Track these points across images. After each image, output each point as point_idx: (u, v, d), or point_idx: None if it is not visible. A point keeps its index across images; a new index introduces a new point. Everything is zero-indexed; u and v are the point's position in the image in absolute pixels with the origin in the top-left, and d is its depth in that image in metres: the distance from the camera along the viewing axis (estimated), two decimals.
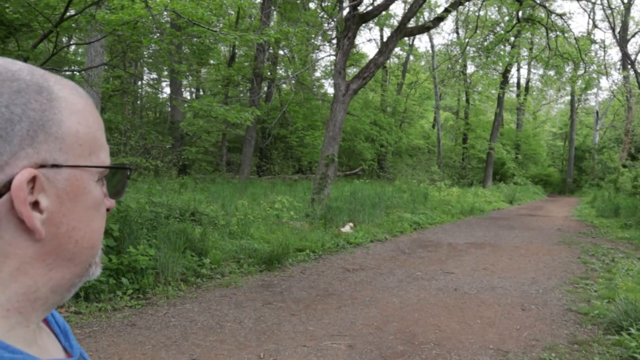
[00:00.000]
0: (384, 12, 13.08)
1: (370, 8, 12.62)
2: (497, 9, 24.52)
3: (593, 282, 7.33)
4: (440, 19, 13.48)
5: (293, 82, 15.55)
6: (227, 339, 4.55)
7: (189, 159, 18.84)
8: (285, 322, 5.06)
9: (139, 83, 26.91)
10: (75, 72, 14.49)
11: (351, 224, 10.33)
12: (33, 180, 0.56)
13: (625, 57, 20.46)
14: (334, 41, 24.78)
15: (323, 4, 22.12)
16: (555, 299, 6.44)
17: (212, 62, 23.79)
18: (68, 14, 5.85)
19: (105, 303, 5.28)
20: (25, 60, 6.11)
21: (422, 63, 35.55)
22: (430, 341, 4.76)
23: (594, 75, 19.91)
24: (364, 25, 18.66)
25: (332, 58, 22.40)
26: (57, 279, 0.60)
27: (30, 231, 0.56)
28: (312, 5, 23.23)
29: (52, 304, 0.62)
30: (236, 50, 23.92)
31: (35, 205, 0.57)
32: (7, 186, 0.54)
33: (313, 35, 22.50)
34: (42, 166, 0.56)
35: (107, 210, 0.67)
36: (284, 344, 4.48)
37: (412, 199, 14.89)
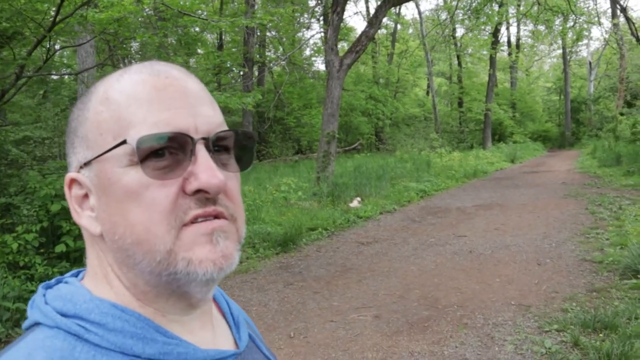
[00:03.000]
0: None
1: None
2: None
3: (603, 231, 7.44)
4: None
5: (284, 63, 15.49)
6: (255, 322, 4.65)
7: None
8: (309, 301, 5.17)
9: None
10: (67, 75, 14.43)
11: (359, 199, 10.41)
12: (74, 182, 0.62)
13: (615, 3, 20.31)
14: (321, 18, 24.61)
15: None
16: (569, 250, 6.55)
17: (200, 51, 23.61)
18: (59, 17, 5.82)
19: None
20: (22, 68, 6.12)
21: (410, 31, 35.30)
22: (453, 304, 4.87)
23: (585, 26, 19.81)
24: None
25: (320, 35, 22.25)
26: (134, 275, 0.59)
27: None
28: None
29: (160, 299, 0.60)
30: (223, 37, 23.73)
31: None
32: None
33: (298, 14, 22.33)
34: (81, 168, 0.61)
35: (200, 191, 0.57)
36: (312, 322, 4.58)
37: (416, 167, 14.95)
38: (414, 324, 4.43)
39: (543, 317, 4.39)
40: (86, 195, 0.62)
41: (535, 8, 18.05)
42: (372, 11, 29.25)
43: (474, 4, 17.55)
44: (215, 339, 0.66)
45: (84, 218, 0.61)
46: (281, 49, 23.79)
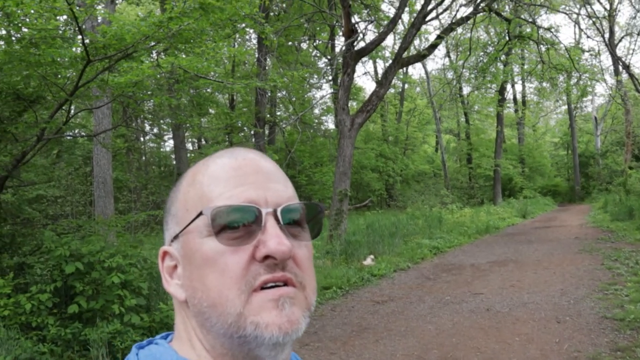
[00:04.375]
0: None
1: (363, 44, 12.91)
2: (484, 29, 25.00)
3: (622, 287, 7.30)
4: (434, 46, 13.78)
5: (297, 122, 15.82)
6: None
7: None
8: None
9: (142, 139, 27.29)
10: (85, 137, 14.75)
11: (372, 256, 10.33)
12: (166, 255, 0.71)
13: (617, 61, 20.75)
14: (330, 78, 25.25)
15: (315, 44, 22.62)
16: (588, 307, 6.41)
17: (211, 111, 24.16)
18: (81, 81, 6.04)
19: None
20: (43, 131, 6.29)
21: (417, 89, 36.02)
22: None
23: (588, 82, 20.14)
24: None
25: (330, 95, 22.75)
26: (211, 338, 0.64)
27: None
28: (304, 46, 23.74)
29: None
30: (235, 97, 24.32)
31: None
32: None
33: (307, 75, 22.92)
34: (172, 241, 0.70)
35: (267, 257, 0.61)
36: None
37: (428, 224, 14.89)
38: None
39: None
40: (175, 267, 0.69)
41: (539, 66, 18.45)
42: (379, 71, 30.05)
43: (479, 64, 17.99)
44: None
45: (172, 286, 0.69)
46: (291, 108, 24.29)
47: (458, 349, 5.21)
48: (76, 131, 17.25)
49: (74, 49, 6.05)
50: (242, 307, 0.60)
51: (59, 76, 7.03)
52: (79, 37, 5.87)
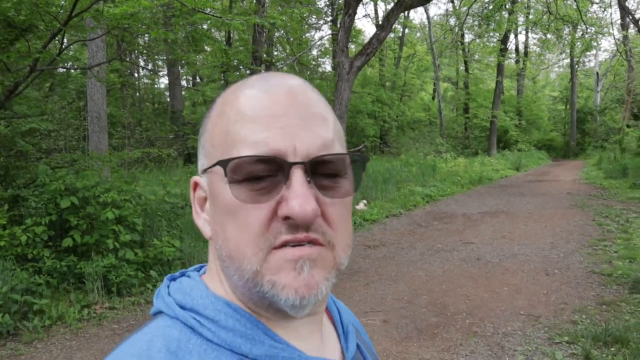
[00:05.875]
0: None
1: None
2: None
3: (612, 244, 7.41)
4: None
5: (295, 63, 15.49)
6: None
7: (194, 147, 18.84)
8: None
9: (136, 75, 26.79)
10: (79, 70, 14.45)
11: (365, 201, 10.39)
12: (197, 185, 0.66)
13: (626, 14, 20.25)
14: (329, 19, 24.61)
15: None
16: (577, 262, 6.52)
17: (207, 48, 23.62)
18: (76, 11, 5.81)
19: (138, 297, 5.36)
20: (37, 61, 6.11)
21: (418, 35, 35.26)
22: (462, 311, 4.85)
23: (595, 37, 19.76)
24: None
25: (328, 37, 22.24)
26: (232, 284, 0.61)
27: None
28: None
29: (260, 308, 0.60)
30: (232, 35, 23.75)
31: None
32: None
33: (306, 15, 22.31)
34: (202, 173, 0.64)
35: (287, 218, 0.55)
36: None
37: (422, 172, 14.92)
38: (423, 330, 4.41)
39: (553, 328, 4.37)
40: (206, 199, 0.64)
41: (546, 17, 18.02)
42: (380, 14, 29.30)
43: (485, 11, 17.52)
44: (322, 348, 0.65)
45: (201, 220, 0.65)
46: (289, 49, 23.78)
47: (447, 295, 5.32)
48: (70, 64, 16.89)
49: None
50: (260, 265, 0.56)
51: (52, 5, 6.78)
52: None
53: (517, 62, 33.20)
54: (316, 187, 0.57)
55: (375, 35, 12.03)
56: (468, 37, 27.72)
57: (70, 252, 5.66)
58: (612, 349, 3.89)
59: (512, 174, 20.56)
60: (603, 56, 36.33)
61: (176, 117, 20.74)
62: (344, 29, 11.83)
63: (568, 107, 36.46)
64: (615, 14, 26.45)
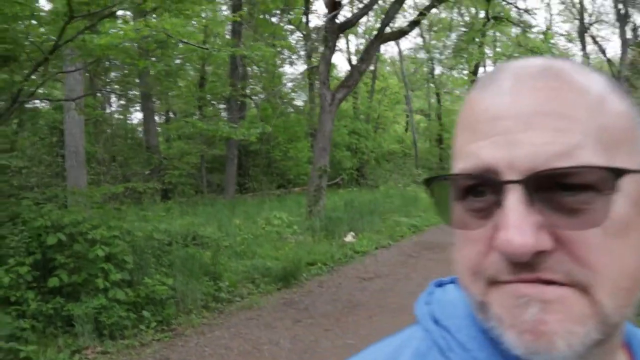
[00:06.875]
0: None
1: (343, 18, 12.66)
2: (457, 11, 24.99)
3: None
4: (416, 22, 13.61)
5: (274, 96, 15.50)
6: None
7: (171, 183, 18.50)
8: (322, 339, 4.93)
9: (107, 110, 26.41)
10: (50, 103, 14.10)
11: (352, 233, 10.25)
12: None
13: (584, 44, 21.12)
14: (302, 53, 24.81)
15: (288, 18, 22.22)
16: None
17: (180, 84, 23.49)
18: (61, 41, 5.63)
19: (131, 339, 5.04)
20: (19, 92, 5.87)
21: (387, 68, 35.90)
22: None
23: None
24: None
25: (301, 71, 22.47)
26: None
27: None
28: (275, 20, 23.29)
29: None
30: (206, 70, 23.70)
31: None
32: None
33: (279, 49, 22.47)
34: None
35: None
36: None
37: (404, 203, 14.90)
38: None
39: None
40: None
41: (512, 49, 18.56)
42: (352, 48, 29.76)
43: (455, 45, 17.96)
44: None
45: None
46: (261, 83, 23.88)
47: None
48: (48, 97, 16.50)
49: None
50: (482, 296, 0.45)
51: (34, 35, 6.58)
52: None
53: None
54: (552, 210, 0.42)
55: (356, 67, 12.15)
56: (437, 70, 28.36)
57: (56, 293, 5.32)
58: None
59: None
60: None
61: (151, 151, 20.41)
62: (325, 62, 11.91)
63: None
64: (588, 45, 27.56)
